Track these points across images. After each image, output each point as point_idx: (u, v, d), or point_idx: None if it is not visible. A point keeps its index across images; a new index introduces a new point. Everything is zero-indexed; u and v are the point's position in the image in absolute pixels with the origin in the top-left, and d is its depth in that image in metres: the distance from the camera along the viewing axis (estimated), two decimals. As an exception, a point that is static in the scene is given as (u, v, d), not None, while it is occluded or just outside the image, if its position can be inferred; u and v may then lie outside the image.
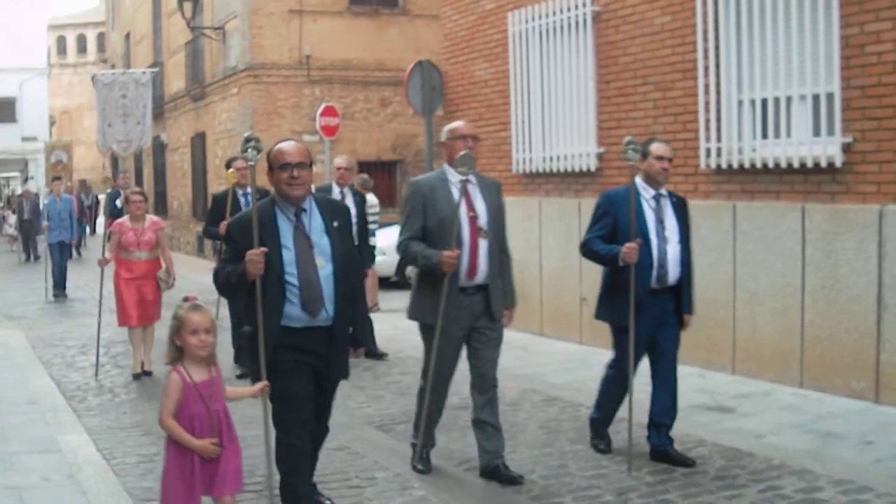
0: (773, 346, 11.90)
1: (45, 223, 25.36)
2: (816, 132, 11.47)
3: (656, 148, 9.05)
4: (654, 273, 8.94)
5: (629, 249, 8.61)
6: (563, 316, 15.58)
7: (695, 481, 8.50)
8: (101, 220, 41.38)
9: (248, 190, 13.64)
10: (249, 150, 7.25)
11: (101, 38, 73.59)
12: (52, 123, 69.42)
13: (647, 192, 9.11)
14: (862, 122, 10.97)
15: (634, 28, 14.09)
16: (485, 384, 8.80)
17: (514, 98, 16.75)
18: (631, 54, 14.17)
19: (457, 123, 9.13)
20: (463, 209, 8.60)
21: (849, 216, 11.05)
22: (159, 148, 40.81)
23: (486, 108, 17.67)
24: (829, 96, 11.33)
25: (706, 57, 12.79)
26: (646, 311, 8.87)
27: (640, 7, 13.97)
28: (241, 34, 29.81)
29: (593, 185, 14.76)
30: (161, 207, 39.40)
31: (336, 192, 14.30)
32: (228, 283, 7.23)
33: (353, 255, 7.70)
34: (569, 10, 15.31)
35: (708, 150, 12.80)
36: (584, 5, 14.96)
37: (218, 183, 31.60)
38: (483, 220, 8.70)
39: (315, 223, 7.34)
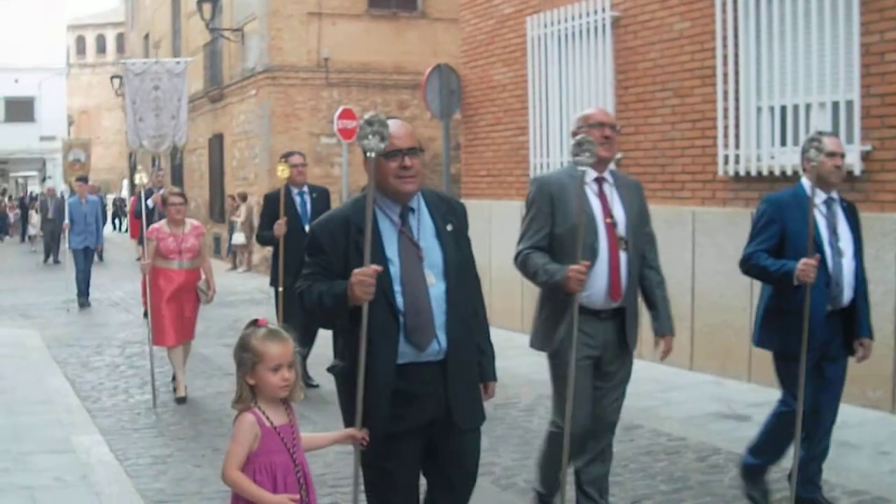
0: (790, 355, 11.85)
1: (65, 223, 23.19)
2: (836, 140, 11.42)
3: (828, 143, 7.54)
4: (828, 292, 7.61)
5: (807, 267, 7.15)
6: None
7: (710, 490, 8.46)
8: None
9: (305, 189, 12.90)
10: (370, 136, 5.33)
11: (120, 38, 73.82)
12: (70, 123, 69.59)
13: (816, 196, 7.65)
14: (881, 131, 10.93)
15: (654, 34, 14.06)
16: (601, 428, 7.40)
17: (532, 103, 16.72)
18: (650, 60, 14.14)
19: (590, 110, 7.60)
20: (599, 214, 7.11)
21: (867, 225, 10.96)
22: (176, 149, 40.80)
23: (504, 113, 17.65)
24: (849, 104, 11.29)
25: (725, 63, 12.76)
26: (816, 337, 7.49)
27: (659, 13, 13.94)
28: (259, 36, 29.83)
29: (610, 191, 14.70)
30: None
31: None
32: (321, 307, 5.50)
33: (472, 267, 5.95)
34: (588, 14, 15.28)
35: (726, 157, 12.76)
36: (604, 10, 14.93)
37: (235, 184, 31.66)
38: (622, 228, 7.20)
39: (424, 227, 5.67)
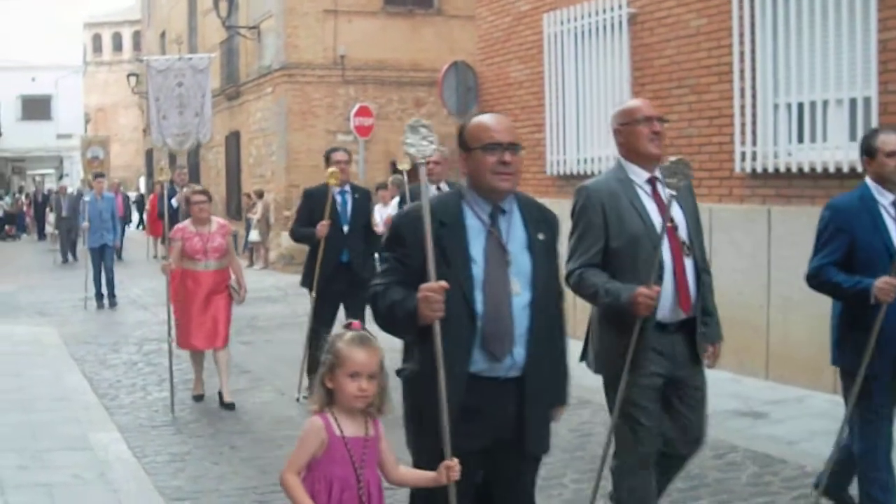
0: (807, 352, 11.82)
1: (84, 224, 22.21)
2: (853, 136, 11.38)
3: (885, 141, 6.87)
4: None
5: (887, 286, 6.46)
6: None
7: (727, 487, 8.45)
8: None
9: (347, 188, 12.13)
10: (420, 142, 5.19)
11: (136, 36, 73.77)
12: (86, 121, 69.79)
13: (883, 198, 6.90)
14: (900, 127, 10.89)
15: (670, 30, 14.03)
16: (685, 446, 6.75)
17: (548, 100, 16.71)
18: (666, 57, 14.11)
19: (634, 102, 6.85)
20: (657, 220, 6.34)
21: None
22: (193, 147, 40.90)
23: (521, 110, 17.63)
24: (866, 100, 11.26)
25: (742, 60, 12.73)
26: (890, 354, 6.79)
27: (675, 9, 13.91)
28: (276, 34, 29.85)
29: (627, 188, 14.69)
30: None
31: (432, 191, 13.03)
32: (392, 318, 5.13)
33: (558, 281, 5.62)
34: (604, 11, 15.26)
35: (743, 154, 12.73)
36: (620, 7, 14.91)
37: (252, 182, 31.69)
38: (683, 231, 6.50)
39: (515, 231, 5.30)
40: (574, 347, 5.88)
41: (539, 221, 5.40)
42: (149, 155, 54.81)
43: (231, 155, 35.40)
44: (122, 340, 16.95)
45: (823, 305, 12.03)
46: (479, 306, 5.09)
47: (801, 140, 12.20)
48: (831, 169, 11.55)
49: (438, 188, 12.02)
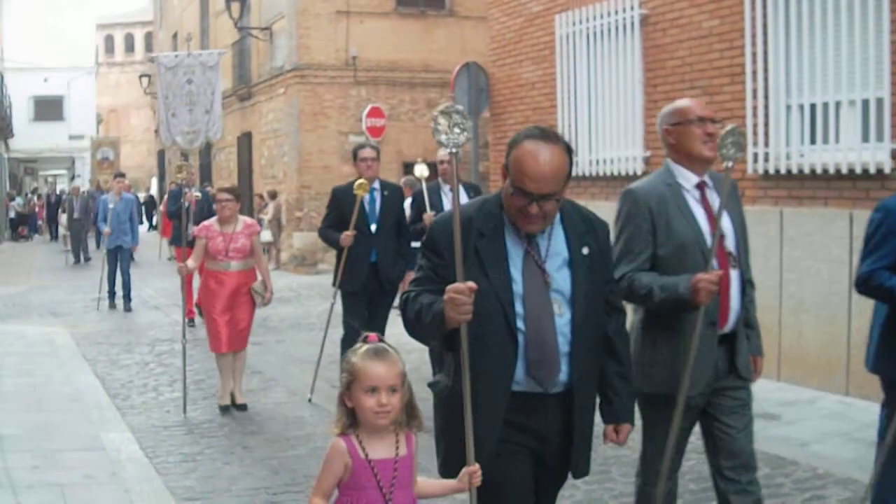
0: (819, 354, 11.81)
1: (105, 230, 21.58)
2: (865, 138, 11.38)
3: None
4: None
5: None
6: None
7: (739, 489, 8.43)
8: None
9: (376, 185, 11.83)
10: (452, 130, 4.80)
11: (148, 37, 73.90)
12: (98, 122, 69.94)
13: None
14: (912, 129, 10.89)
15: (682, 31, 14.03)
16: (739, 463, 6.08)
17: (560, 101, 16.70)
18: (679, 58, 14.11)
19: (686, 102, 6.33)
20: (706, 227, 5.95)
21: None
22: (206, 146, 40.89)
23: (533, 111, 17.63)
24: (879, 102, 11.25)
25: (754, 61, 12.72)
26: None
27: (688, 10, 13.91)
28: (288, 35, 29.88)
29: (639, 189, 14.70)
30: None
31: (446, 191, 12.71)
32: (419, 323, 4.84)
33: (604, 294, 5.13)
34: (616, 13, 15.26)
35: (755, 156, 12.72)
36: (632, 8, 14.91)
37: (264, 183, 31.72)
38: (731, 241, 6.10)
39: (556, 248, 4.95)
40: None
41: (584, 234, 5.01)
42: (160, 156, 54.90)
43: (243, 156, 35.43)
44: (135, 341, 16.97)
45: (835, 306, 12.05)
46: (521, 323, 4.79)
47: (813, 141, 12.19)
48: (844, 170, 11.53)
49: (452, 190, 11.79)
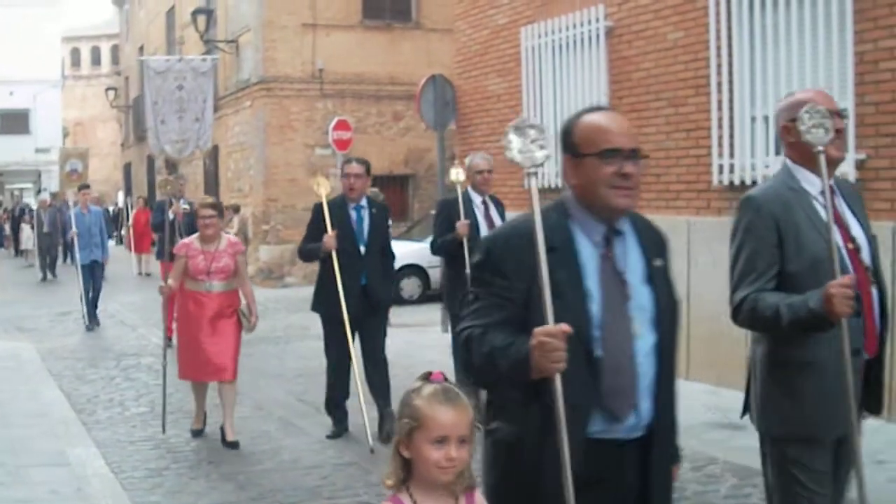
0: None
1: (72, 231, 20.80)
2: (830, 149, 11.42)
3: None
4: None
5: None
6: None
7: (706, 500, 8.47)
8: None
9: (363, 202, 11.06)
10: (529, 147, 4.06)
11: (115, 50, 73.67)
12: (65, 135, 69.65)
13: None
14: (876, 139, 10.93)
15: (647, 43, 14.07)
16: None
17: (526, 113, 16.70)
18: (644, 70, 14.14)
19: (808, 94, 5.41)
20: (838, 237, 5.05)
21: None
22: (171, 161, 40.88)
23: (499, 123, 17.64)
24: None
25: (719, 73, 12.77)
26: None
27: (653, 23, 13.95)
28: (254, 48, 29.86)
29: (605, 201, 14.75)
30: (173, 220, 39.49)
31: (478, 202, 11.70)
32: (492, 367, 3.98)
33: (679, 316, 4.41)
34: (582, 25, 15.30)
35: (721, 167, 12.76)
36: (598, 20, 14.94)
37: (230, 196, 31.66)
38: (866, 254, 5.23)
39: (632, 258, 4.22)
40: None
41: (654, 244, 4.34)
42: (127, 169, 54.83)
43: (209, 169, 35.36)
44: (100, 356, 16.90)
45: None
46: (599, 349, 4.02)
47: (778, 152, 12.19)
48: (809, 181, 11.56)
49: (484, 202, 11.68)
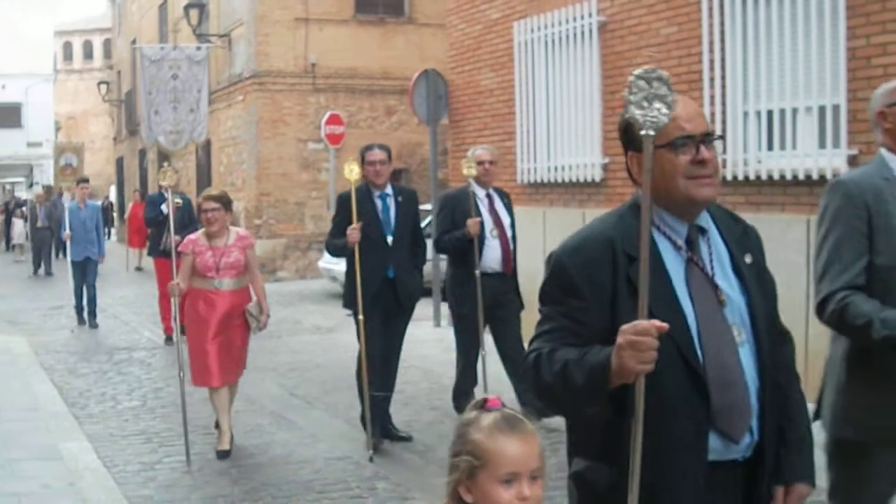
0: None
1: (66, 232, 19.79)
2: (822, 144, 11.43)
3: None
4: None
5: None
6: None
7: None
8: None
9: (388, 190, 10.50)
10: (654, 106, 3.49)
11: (107, 44, 73.53)
12: (57, 129, 69.57)
13: None
14: (868, 135, 10.91)
15: (640, 38, 14.06)
16: None
17: (519, 108, 16.72)
18: (637, 65, 14.04)
19: None
20: None
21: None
22: (163, 155, 40.80)
23: (492, 118, 17.65)
24: (836, 108, 11.30)
25: (712, 68, 12.76)
26: None
27: (646, 17, 13.95)
28: (246, 42, 29.83)
29: (598, 196, 14.75)
30: (166, 214, 39.42)
31: (482, 195, 11.00)
32: (566, 384, 3.47)
33: (776, 318, 3.98)
34: (575, 20, 15.28)
35: (713, 162, 12.75)
36: (591, 15, 14.93)
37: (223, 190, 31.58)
38: None
39: (718, 256, 3.78)
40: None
41: (741, 238, 3.91)
42: (119, 163, 54.74)
43: (202, 163, 35.32)
44: (93, 350, 16.89)
45: (793, 312, 12.05)
46: (705, 367, 3.57)
47: (770, 147, 12.24)
48: (801, 176, 11.58)
49: (488, 195, 11.03)
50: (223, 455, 9.97)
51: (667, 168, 3.61)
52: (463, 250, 10.73)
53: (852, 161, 11.05)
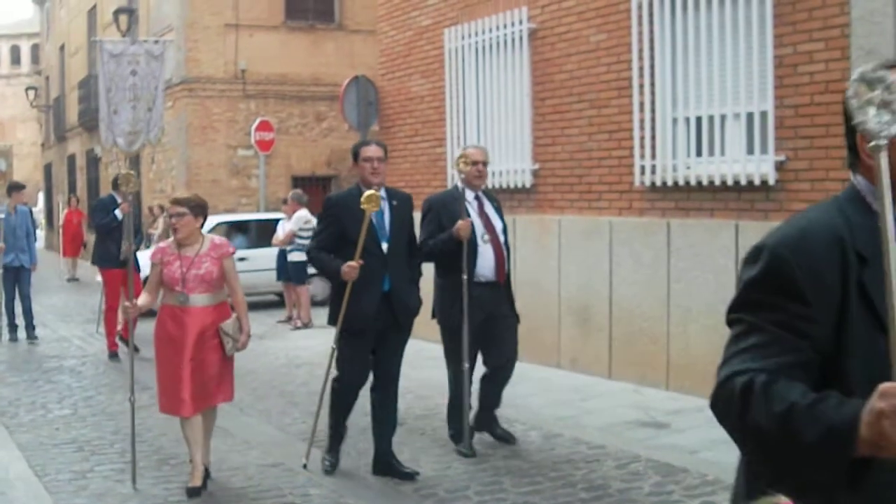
0: (707, 362, 11.92)
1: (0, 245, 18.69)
2: (750, 150, 11.56)
3: None
4: None
5: None
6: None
7: (629, 497, 8.51)
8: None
9: (383, 193, 9.21)
10: (881, 114, 2.60)
11: (35, 49, 73.00)
12: (-17, 135, 68.99)
13: None
14: (795, 141, 11.07)
15: (570, 45, 14.14)
16: None
17: (449, 114, 16.76)
18: (567, 71, 14.22)
19: None
20: None
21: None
22: (93, 161, 40.55)
23: (422, 124, 17.68)
24: (763, 115, 11.43)
25: (641, 75, 12.86)
26: None
27: (576, 25, 14.03)
28: (176, 47, 29.68)
29: (528, 202, 14.81)
30: (94, 221, 39.17)
31: (470, 198, 10.08)
32: (789, 432, 2.57)
33: None
34: (505, 27, 15.34)
35: (642, 168, 12.86)
36: (521, 22, 15.00)
37: (152, 197, 31.53)
38: None
39: None
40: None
41: None
42: (47, 169, 54.28)
43: (132, 169, 35.11)
44: (22, 358, 16.74)
45: (722, 315, 12.16)
46: None
47: (699, 154, 12.35)
48: (729, 182, 11.70)
49: (478, 197, 10.18)
50: (193, 493, 8.79)
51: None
52: (451, 256, 9.73)
53: (779, 167, 11.20)
